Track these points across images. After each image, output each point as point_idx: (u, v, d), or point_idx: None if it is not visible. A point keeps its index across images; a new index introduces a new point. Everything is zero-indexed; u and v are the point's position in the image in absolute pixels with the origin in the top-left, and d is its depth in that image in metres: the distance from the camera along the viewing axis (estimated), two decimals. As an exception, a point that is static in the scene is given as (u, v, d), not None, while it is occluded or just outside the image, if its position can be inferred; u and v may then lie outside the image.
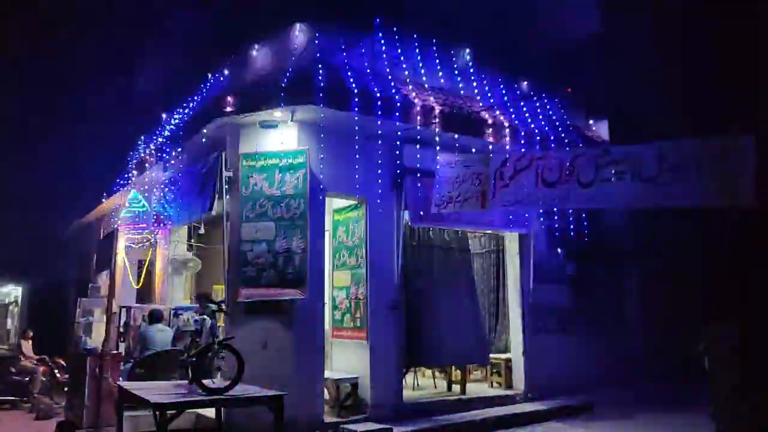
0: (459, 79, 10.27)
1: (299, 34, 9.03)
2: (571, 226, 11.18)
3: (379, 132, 8.81)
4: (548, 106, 11.35)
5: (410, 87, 9.43)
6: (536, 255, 10.73)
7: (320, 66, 8.45)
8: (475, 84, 10.35)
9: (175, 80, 10.99)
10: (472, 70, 10.46)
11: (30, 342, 11.98)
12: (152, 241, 11.30)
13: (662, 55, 11.76)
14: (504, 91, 10.77)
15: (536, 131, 10.39)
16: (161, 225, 10.99)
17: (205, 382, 6.56)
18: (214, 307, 7.41)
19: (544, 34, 12.15)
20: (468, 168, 8.93)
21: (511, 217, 10.23)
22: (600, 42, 12.45)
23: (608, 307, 11.82)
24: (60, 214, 19.25)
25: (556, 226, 11.05)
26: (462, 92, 10.24)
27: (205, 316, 7.77)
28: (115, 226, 11.34)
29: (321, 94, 8.13)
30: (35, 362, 11.27)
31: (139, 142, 13.67)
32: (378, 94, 8.62)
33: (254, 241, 8.44)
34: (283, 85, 8.22)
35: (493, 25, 10.84)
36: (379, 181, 9.14)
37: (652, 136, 8.60)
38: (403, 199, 9.25)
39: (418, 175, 9.31)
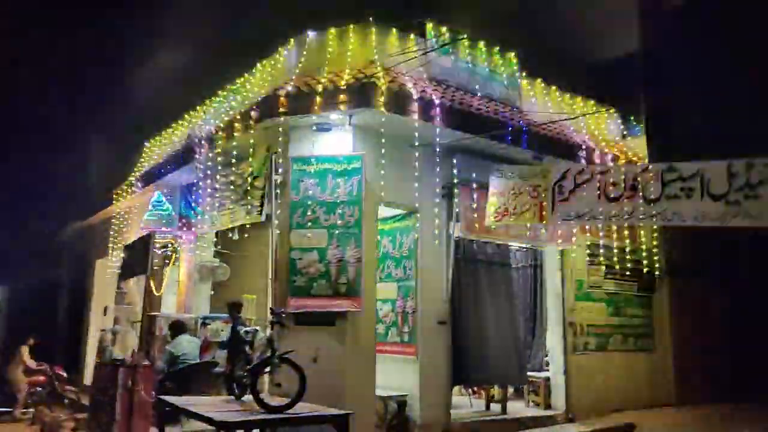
0: (508, 88, 10.00)
1: (353, 34, 8.70)
2: (609, 243, 10.92)
3: (437, 140, 8.48)
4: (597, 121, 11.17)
5: (464, 94, 9.14)
6: (571, 271, 10.51)
7: (379, 68, 8.12)
8: (523, 94, 10.11)
9: (210, 76, 10.48)
10: (520, 80, 10.21)
11: (28, 348, 11.38)
12: (176, 246, 10.78)
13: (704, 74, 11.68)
14: (549, 103, 10.55)
15: (583, 145, 10.17)
16: (188, 229, 10.51)
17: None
18: (273, 318, 6.99)
19: (584, 47, 11.98)
20: (524, 180, 8.65)
21: (559, 231, 9.95)
22: (642, 58, 12.32)
23: (645, 326, 11.59)
24: (57, 215, 18.46)
25: (598, 242, 10.80)
26: (514, 102, 9.98)
27: (257, 328, 7.36)
28: (142, 227, 10.83)
29: (383, 98, 7.78)
30: (33, 371, 10.68)
31: (151, 144, 13.19)
32: (436, 101, 8.30)
33: (305, 248, 8.03)
34: (343, 86, 7.86)
35: (532, 35, 10.57)
36: (431, 191, 8.80)
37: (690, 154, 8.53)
38: (454, 210, 8.91)
39: (471, 186, 8.99)
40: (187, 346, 9.10)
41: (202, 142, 9.43)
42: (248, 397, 7.20)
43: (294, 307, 7.88)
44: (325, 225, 8.04)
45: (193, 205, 10.34)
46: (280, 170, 8.23)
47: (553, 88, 10.81)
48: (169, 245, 10.83)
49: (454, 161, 8.94)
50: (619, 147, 11.46)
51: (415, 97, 8.10)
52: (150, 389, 8.08)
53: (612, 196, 8.12)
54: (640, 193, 7.95)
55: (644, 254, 11.32)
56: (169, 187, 11.32)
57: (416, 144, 8.29)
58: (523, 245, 10.59)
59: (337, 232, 8.00)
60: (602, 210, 8.13)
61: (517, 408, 10.22)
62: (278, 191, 8.18)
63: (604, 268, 11.04)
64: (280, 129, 8.29)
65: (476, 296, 9.28)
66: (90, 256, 15.87)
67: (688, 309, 12.02)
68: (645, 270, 11.34)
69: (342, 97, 7.84)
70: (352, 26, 8.75)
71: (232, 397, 7.42)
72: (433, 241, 8.80)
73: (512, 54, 10.16)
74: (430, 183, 8.79)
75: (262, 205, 8.30)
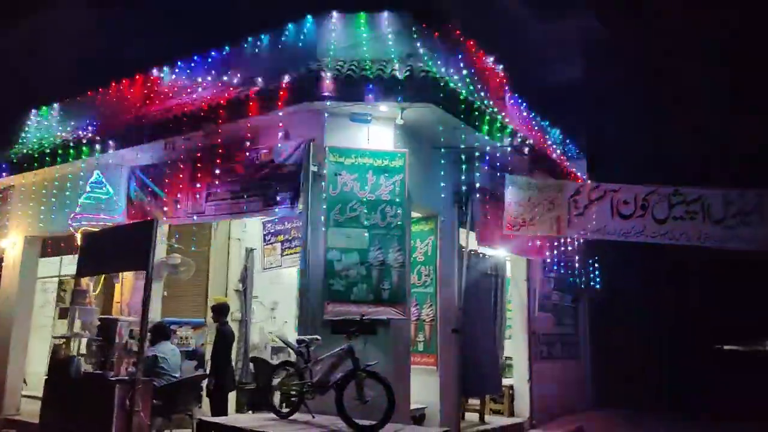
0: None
1: (388, 21, 8.13)
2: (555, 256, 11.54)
3: (462, 146, 8.28)
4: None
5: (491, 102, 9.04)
6: (534, 282, 10.94)
7: (432, 63, 7.69)
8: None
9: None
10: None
11: None
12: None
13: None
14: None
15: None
16: (142, 218, 8.92)
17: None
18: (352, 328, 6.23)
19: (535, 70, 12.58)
20: (541, 192, 8.80)
21: (535, 244, 10.26)
22: (584, 85, 13.29)
23: (592, 335, 12.48)
24: None
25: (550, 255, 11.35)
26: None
27: (317, 336, 6.53)
28: (77, 212, 8.94)
29: (441, 94, 7.38)
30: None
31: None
32: (477, 105, 8.10)
33: (344, 249, 7.28)
34: (397, 76, 7.29)
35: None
36: (449, 196, 8.57)
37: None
38: (469, 217, 8.75)
39: (485, 195, 8.91)
40: (171, 355, 7.76)
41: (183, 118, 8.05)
42: (300, 416, 6.37)
43: (332, 314, 7.11)
44: (365, 225, 7.38)
45: (153, 189, 8.79)
46: (314, 161, 7.38)
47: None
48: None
49: (472, 168, 8.77)
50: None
51: (461, 97, 7.81)
52: (148, 409, 6.74)
53: (624, 213, 8.60)
54: (650, 213, 8.54)
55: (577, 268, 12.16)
56: (107, 167, 9.50)
57: (440, 146, 8.03)
58: (491, 253, 10.76)
59: (379, 233, 7.39)
60: (615, 227, 8.58)
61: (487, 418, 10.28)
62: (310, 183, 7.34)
63: (553, 280, 11.66)
64: (314, 116, 7.47)
65: (479, 306, 9.19)
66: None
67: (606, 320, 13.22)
68: (578, 282, 12.18)
69: (397, 88, 7.26)
70: (386, 13, 8.17)
71: (271, 414, 6.51)
72: (450, 247, 8.55)
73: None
74: (449, 189, 8.56)
75: (293, 198, 7.38)
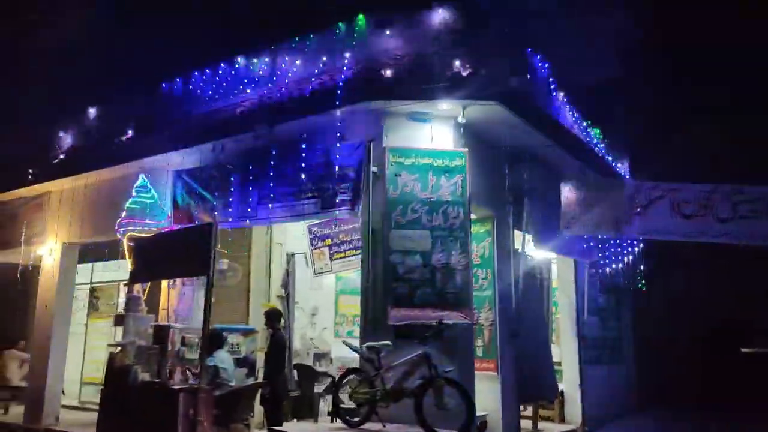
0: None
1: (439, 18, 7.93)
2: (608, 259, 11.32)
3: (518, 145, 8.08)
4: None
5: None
6: (583, 284, 10.69)
7: (492, 60, 7.49)
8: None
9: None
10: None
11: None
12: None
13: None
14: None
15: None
16: (188, 221, 8.75)
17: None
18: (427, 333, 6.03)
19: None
20: (597, 191, 8.59)
21: (584, 245, 10.04)
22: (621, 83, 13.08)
23: (635, 337, 12.22)
24: None
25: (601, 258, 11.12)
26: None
27: (388, 342, 6.31)
28: (124, 217, 8.77)
29: (505, 92, 7.18)
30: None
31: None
32: (538, 103, 7.91)
33: (406, 252, 7.07)
34: (461, 73, 7.09)
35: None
36: (504, 197, 8.35)
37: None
38: (524, 218, 8.53)
39: (539, 195, 8.69)
40: (228, 364, 7.56)
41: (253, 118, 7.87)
42: (371, 425, 6.15)
43: (396, 318, 6.89)
44: (428, 227, 7.17)
45: (201, 193, 8.60)
46: (374, 161, 7.19)
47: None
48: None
49: (527, 168, 8.57)
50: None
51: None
52: (210, 419, 6.54)
53: (686, 213, 8.37)
54: (713, 213, 8.29)
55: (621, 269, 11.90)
56: (150, 171, 9.34)
57: (497, 145, 7.84)
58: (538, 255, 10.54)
59: (440, 234, 7.17)
60: (677, 227, 8.34)
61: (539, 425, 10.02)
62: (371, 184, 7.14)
63: (598, 282, 11.41)
64: (372, 115, 7.29)
65: (532, 308, 8.96)
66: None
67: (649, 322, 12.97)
68: (623, 284, 11.93)
69: (462, 86, 7.07)
70: (440, 9, 7.96)
71: (339, 423, 6.29)
72: (505, 249, 8.33)
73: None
74: (503, 188, 8.34)
75: (353, 199, 7.18)
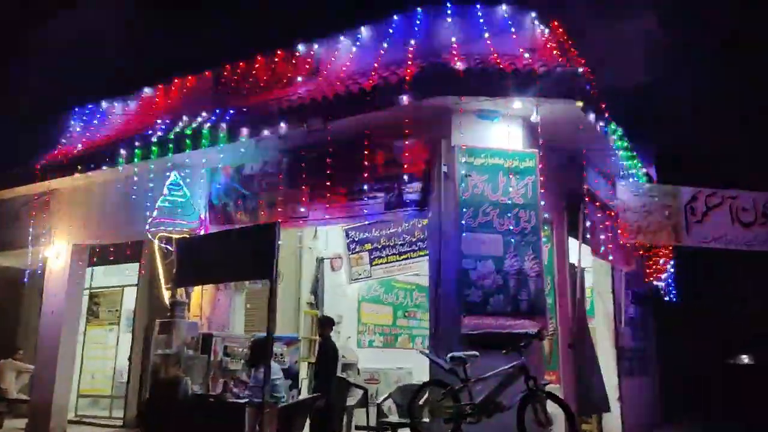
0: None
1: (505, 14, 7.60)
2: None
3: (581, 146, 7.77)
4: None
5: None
6: (620, 293, 10.45)
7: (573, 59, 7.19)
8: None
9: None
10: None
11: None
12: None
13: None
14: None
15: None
16: (225, 222, 8.20)
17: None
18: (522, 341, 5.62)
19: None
20: (654, 198, 8.33)
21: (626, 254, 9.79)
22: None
23: (660, 348, 12.03)
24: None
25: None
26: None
27: (476, 353, 5.88)
28: (156, 215, 8.14)
29: (581, 90, 6.85)
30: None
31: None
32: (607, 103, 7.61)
33: (479, 257, 6.67)
34: (535, 69, 6.74)
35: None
36: (562, 202, 8.03)
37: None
38: (581, 225, 8.21)
39: (595, 201, 8.40)
40: (279, 376, 7.01)
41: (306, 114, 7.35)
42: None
43: (469, 327, 6.48)
44: (500, 230, 6.78)
45: (242, 192, 8.05)
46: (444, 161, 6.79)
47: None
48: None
49: (584, 174, 8.25)
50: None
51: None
52: (276, 436, 6.01)
53: (745, 221, 8.18)
54: (772, 221, 8.13)
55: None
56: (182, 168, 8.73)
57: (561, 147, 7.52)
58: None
59: (513, 239, 6.79)
60: (737, 236, 8.14)
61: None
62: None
63: (630, 292, 11.18)
64: (439, 111, 6.88)
65: (582, 317, 8.63)
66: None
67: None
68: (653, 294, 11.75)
69: (536, 83, 6.71)
70: (504, 6, 7.63)
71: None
72: (563, 256, 8.00)
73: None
74: (562, 193, 8.02)
75: (422, 200, 6.76)
